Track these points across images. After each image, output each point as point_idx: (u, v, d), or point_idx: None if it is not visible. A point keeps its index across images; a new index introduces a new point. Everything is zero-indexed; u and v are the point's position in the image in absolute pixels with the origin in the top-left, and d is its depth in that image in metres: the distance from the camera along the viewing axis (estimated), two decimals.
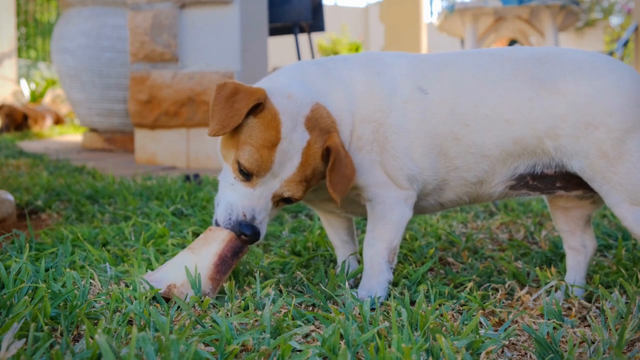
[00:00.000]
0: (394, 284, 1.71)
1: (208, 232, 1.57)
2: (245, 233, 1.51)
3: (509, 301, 1.65)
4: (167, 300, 1.50)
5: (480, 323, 1.43)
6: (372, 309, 1.51)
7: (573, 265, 1.78)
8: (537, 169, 1.60)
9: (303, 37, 7.12)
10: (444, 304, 1.52)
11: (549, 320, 1.44)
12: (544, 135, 1.55)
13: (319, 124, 1.53)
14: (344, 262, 1.82)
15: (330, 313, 1.41)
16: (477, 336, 1.25)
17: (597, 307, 1.58)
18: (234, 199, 1.53)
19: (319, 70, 1.67)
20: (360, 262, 1.89)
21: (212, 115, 1.50)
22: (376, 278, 1.63)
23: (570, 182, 1.62)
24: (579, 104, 1.52)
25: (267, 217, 1.55)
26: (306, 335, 1.33)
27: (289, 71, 1.69)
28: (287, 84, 1.59)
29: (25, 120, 9.60)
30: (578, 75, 1.54)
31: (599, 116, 1.50)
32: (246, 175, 1.51)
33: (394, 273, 1.81)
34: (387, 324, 1.32)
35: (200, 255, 1.53)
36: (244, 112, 1.47)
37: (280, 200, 1.57)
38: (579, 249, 1.78)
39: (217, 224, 1.56)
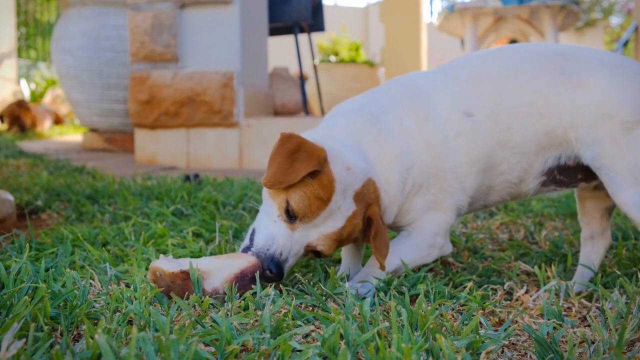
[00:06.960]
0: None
1: (236, 253, 1.61)
2: (272, 269, 1.54)
3: (509, 301, 1.65)
4: (187, 276, 1.51)
5: (480, 323, 1.43)
6: (372, 310, 1.51)
7: (583, 255, 1.90)
8: (562, 160, 1.71)
9: (303, 37, 7.11)
10: (444, 304, 1.52)
11: (549, 320, 1.44)
12: (568, 125, 1.66)
13: (365, 197, 1.61)
14: (344, 265, 1.86)
15: (330, 313, 1.41)
16: (477, 336, 1.25)
17: (597, 307, 1.58)
18: (278, 234, 1.57)
19: (372, 130, 1.70)
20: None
21: (270, 165, 1.55)
22: (377, 274, 1.67)
23: (589, 171, 1.71)
24: (599, 97, 1.64)
25: (294, 263, 1.60)
26: (306, 335, 1.33)
27: (344, 129, 1.70)
28: (345, 152, 1.62)
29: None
30: (599, 70, 1.66)
31: (615, 108, 1.62)
32: (291, 217, 1.56)
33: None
34: (387, 324, 1.32)
35: (226, 262, 1.56)
36: (301, 174, 1.52)
37: (310, 252, 1.62)
38: (587, 240, 1.90)
39: (245, 250, 1.59)
